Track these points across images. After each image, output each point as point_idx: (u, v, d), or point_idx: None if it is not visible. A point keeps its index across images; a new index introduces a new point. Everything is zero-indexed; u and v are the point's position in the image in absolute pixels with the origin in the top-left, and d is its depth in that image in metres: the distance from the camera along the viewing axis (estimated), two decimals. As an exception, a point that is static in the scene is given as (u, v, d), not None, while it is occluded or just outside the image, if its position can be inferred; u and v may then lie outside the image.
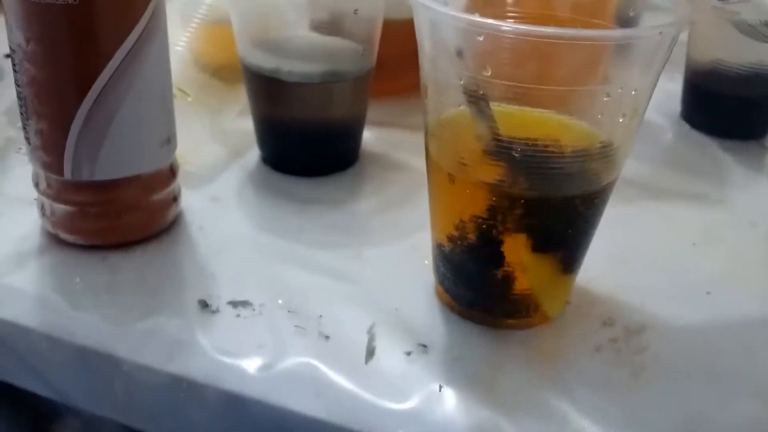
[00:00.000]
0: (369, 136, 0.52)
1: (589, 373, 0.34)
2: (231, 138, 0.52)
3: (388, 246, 0.42)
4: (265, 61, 0.45)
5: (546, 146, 0.30)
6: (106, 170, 0.38)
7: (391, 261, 0.41)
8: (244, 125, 0.53)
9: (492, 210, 0.31)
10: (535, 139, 0.31)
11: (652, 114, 0.60)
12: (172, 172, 0.41)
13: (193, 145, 0.49)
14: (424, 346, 0.35)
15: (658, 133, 0.57)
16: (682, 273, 0.41)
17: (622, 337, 0.36)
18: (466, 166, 0.32)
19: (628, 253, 0.42)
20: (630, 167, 0.50)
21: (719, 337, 0.36)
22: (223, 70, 0.53)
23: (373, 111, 0.51)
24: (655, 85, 0.30)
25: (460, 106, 0.32)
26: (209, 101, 0.51)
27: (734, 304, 0.39)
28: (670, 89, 0.60)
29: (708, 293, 0.39)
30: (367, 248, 0.42)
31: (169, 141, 0.40)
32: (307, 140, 0.48)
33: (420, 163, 0.50)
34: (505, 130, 0.30)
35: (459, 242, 0.34)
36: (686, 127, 0.58)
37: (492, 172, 0.31)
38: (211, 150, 0.51)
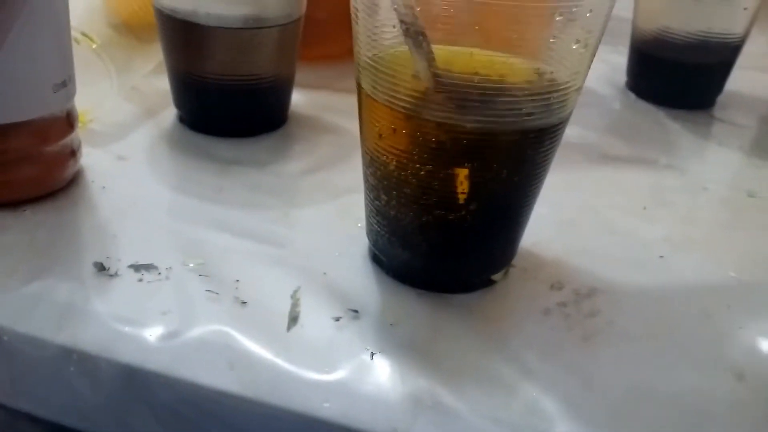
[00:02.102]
0: (299, 99, 0.48)
1: (537, 337, 0.30)
2: (143, 96, 0.48)
3: (318, 208, 0.38)
4: (180, 2, 0.40)
5: (490, 80, 0.27)
6: (-13, 114, 0.32)
7: (320, 223, 0.37)
8: (159, 84, 0.48)
9: (433, 151, 0.28)
10: (478, 73, 0.27)
11: (597, 84, 0.57)
12: (69, 121, 0.36)
13: (98, 100, 0.44)
14: (355, 311, 0.31)
15: (604, 102, 0.55)
16: (633, 237, 0.38)
17: (571, 300, 0.33)
18: (405, 103, 0.28)
19: (575, 217, 0.39)
20: (575, 134, 0.47)
21: (674, 301, 0.34)
22: (136, 27, 0.48)
23: (303, 74, 0.47)
24: (611, 9, 0.27)
25: (396, 39, 0.28)
26: (119, 56, 0.46)
27: (688, 267, 0.36)
28: (615, 61, 0.58)
29: (661, 257, 0.37)
30: (294, 210, 0.38)
31: (65, 84, 0.35)
32: (230, 97, 0.43)
33: (353, 125, 0.46)
34: (445, 67, 0.27)
35: (395, 192, 0.30)
36: (632, 96, 0.56)
37: (433, 109, 0.27)
38: (120, 107, 0.46)
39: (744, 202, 0.42)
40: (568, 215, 0.39)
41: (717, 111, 0.54)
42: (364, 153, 0.31)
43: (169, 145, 0.43)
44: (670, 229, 0.39)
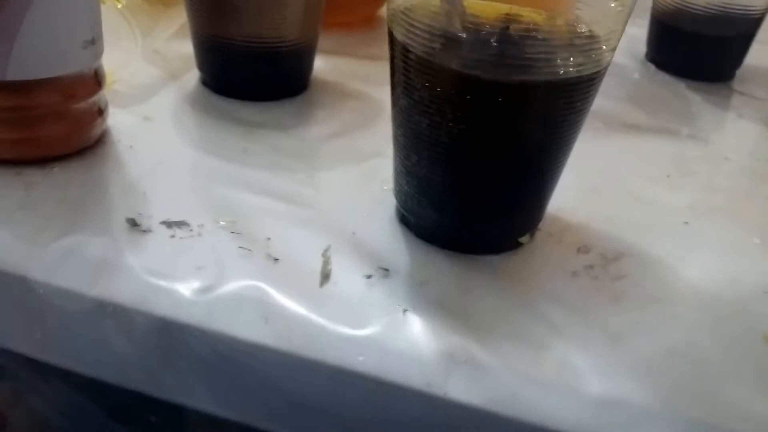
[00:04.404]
0: (319, 65, 0.48)
1: (565, 298, 0.31)
2: (165, 59, 0.47)
3: (343, 171, 0.38)
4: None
5: (525, 30, 0.27)
6: (20, 69, 0.32)
7: (346, 186, 0.37)
8: (180, 48, 0.48)
9: (468, 108, 0.28)
10: (512, 23, 0.27)
11: (617, 55, 0.57)
12: (97, 80, 0.36)
13: (122, 62, 0.44)
14: (386, 269, 0.31)
15: (624, 73, 0.55)
16: (657, 204, 0.38)
17: (599, 264, 0.33)
18: (440, 56, 0.28)
19: (599, 184, 0.39)
20: (596, 103, 0.47)
21: (701, 265, 0.34)
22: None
23: (324, 41, 0.47)
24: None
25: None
26: (143, 18, 0.46)
27: (713, 234, 0.36)
28: (635, 33, 0.58)
29: (686, 223, 0.37)
30: (320, 172, 0.38)
31: (94, 42, 0.35)
32: (254, 61, 0.43)
33: (376, 92, 0.47)
34: (478, 21, 0.27)
35: (426, 151, 0.30)
36: (652, 68, 0.56)
37: (466, 61, 0.27)
38: (144, 70, 0.46)
39: (765, 171, 0.42)
40: (592, 182, 0.39)
41: (736, 84, 0.54)
42: (397, 113, 0.31)
43: (193, 108, 0.43)
44: (694, 197, 0.39)
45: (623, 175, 0.41)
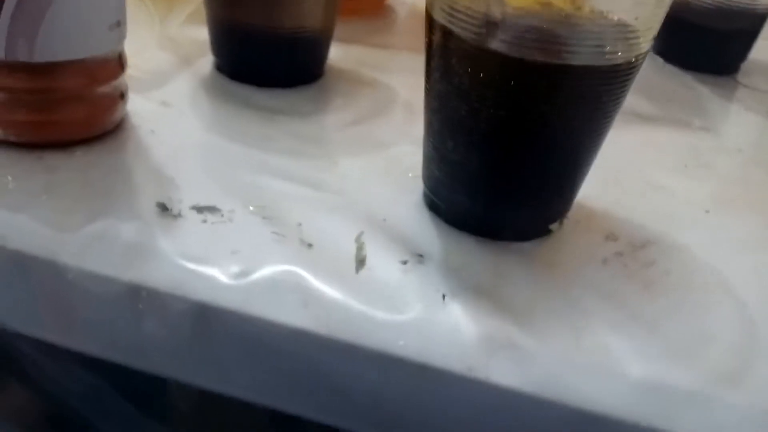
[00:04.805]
0: (334, 53, 0.48)
1: (598, 284, 0.31)
2: (177, 45, 0.47)
3: (366, 158, 0.38)
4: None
5: (562, 13, 0.27)
6: (47, 51, 0.32)
7: (371, 173, 0.37)
8: (194, 33, 0.48)
9: (507, 93, 0.28)
10: (551, 5, 0.27)
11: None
12: (120, 63, 0.36)
13: (137, 48, 0.43)
14: (420, 255, 0.31)
15: (631, 65, 0.55)
16: (677, 193, 0.39)
17: (627, 251, 0.33)
18: (479, 37, 0.28)
19: (619, 174, 0.40)
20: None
21: (726, 253, 0.34)
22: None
23: (337, 29, 0.47)
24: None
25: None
26: (157, 4, 0.46)
27: (736, 222, 0.37)
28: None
29: (707, 212, 0.37)
30: (344, 159, 0.38)
31: (119, 24, 0.34)
32: (271, 47, 0.43)
33: (389, 80, 0.47)
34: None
35: (462, 137, 0.30)
36: (660, 60, 0.56)
37: (507, 43, 0.27)
38: (157, 56, 0.45)
39: (778, 163, 0.43)
40: (612, 172, 0.40)
41: (741, 77, 0.55)
42: (432, 98, 0.31)
43: (210, 94, 0.42)
44: (713, 187, 0.40)
45: (641, 165, 0.41)
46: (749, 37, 0.54)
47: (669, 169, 0.41)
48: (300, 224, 0.32)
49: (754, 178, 0.41)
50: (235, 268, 0.29)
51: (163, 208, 0.31)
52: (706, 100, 0.50)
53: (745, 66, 0.56)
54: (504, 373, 0.27)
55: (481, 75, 0.28)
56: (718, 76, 0.54)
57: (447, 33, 0.29)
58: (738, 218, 0.37)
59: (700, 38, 0.54)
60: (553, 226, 0.33)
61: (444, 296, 0.29)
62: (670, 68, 0.55)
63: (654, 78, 0.54)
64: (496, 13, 0.28)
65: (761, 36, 0.55)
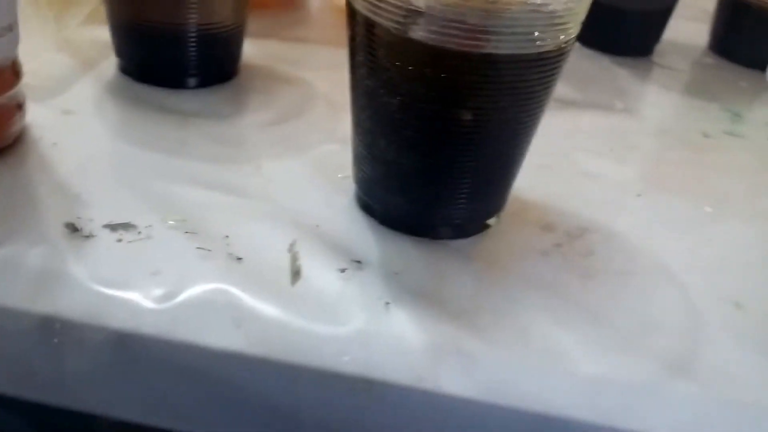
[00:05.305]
0: (248, 49, 0.45)
1: (540, 278, 0.30)
2: (77, 47, 0.43)
3: (291, 159, 0.36)
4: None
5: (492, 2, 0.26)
6: (-76, 61, 0.28)
7: (297, 175, 0.35)
8: (93, 34, 0.44)
9: (438, 87, 0.27)
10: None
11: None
12: (15, 71, 0.32)
13: (31, 52, 0.40)
14: (358, 261, 0.29)
15: (549, 49, 0.55)
16: (607, 178, 0.38)
17: (565, 241, 0.33)
18: (408, 28, 0.26)
19: (548, 161, 0.39)
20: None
21: (662, 237, 0.34)
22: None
23: (249, 24, 0.44)
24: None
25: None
26: (55, 3, 0.42)
27: (668, 204, 0.37)
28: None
29: (639, 195, 0.37)
30: (267, 162, 0.35)
31: (11, 28, 0.31)
32: (179, 45, 0.40)
33: (308, 75, 0.45)
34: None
35: (395, 135, 0.28)
36: (576, 44, 0.56)
37: (436, 33, 0.26)
38: (55, 59, 0.42)
39: (702, 142, 0.43)
40: (541, 159, 0.38)
41: (656, 57, 0.56)
42: (360, 95, 0.29)
43: (117, 98, 0.39)
44: (641, 170, 0.40)
45: (568, 150, 0.41)
46: (663, 17, 0.55)
47: (597, 153, 0.41)
48: (227, 236, 0.30)
49: (681, 158, 0.42)
50: (157, 291, 0.27)
51: (73, 228, 0.29)
52: (625, 82, 0.51)
53: (659, 47, 0.56)
54: (454, 381, 0.25)
55: (410, 68, 0.27)
56: (635, 58, 0.55)
57: (370, 24, 0.27)
58: (670, 200, 0.37)
59: (616, 20, 0.54)
60: (491, 221, 0.32)
61: (387, 303, 0.27)
62: (586, 51, 0.55)
63: (572, 62, 0.53)
64: (419, 1, 0.26)
65: (674, 15, 0.56)
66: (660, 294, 0.30)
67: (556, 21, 0.28)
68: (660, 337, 0.28)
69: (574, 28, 0.29)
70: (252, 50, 0.46)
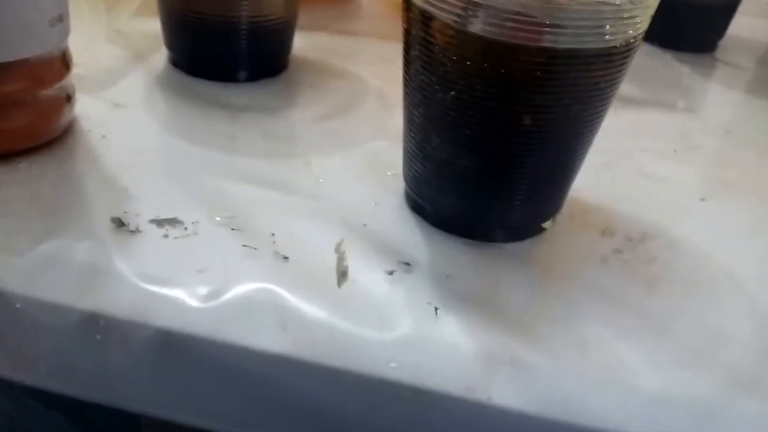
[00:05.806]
0: (299, 42, 0.45)
1: (600, 286, 0.29)
2: (128, 40, 0.43)
3: (341, 156, 0.35)
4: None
5: None
6: (-22, 52, 0.28)
7: (347, 172, 0.34)
8: (144, 26, 0.44)
9: (498, 83, 0.25)
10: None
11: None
12: (65, 62, 0.32)
13: (83, 44, 0.40)
14: (407, 263, 0.28)
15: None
16: (670, 180, 0.37)
17: (626, 247, 0.31)
18: (467, 21, 0.25)
19: (610, 161, 0.37)
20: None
21: (729, 244, 0.32)
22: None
23: (300, 16, 0.44)
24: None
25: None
26: (100, -3, 0.42)
27: (734, 209, 0.35)
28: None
29: (703, 200, 0.35)
30: (317, 158, 0.35)
31: (61, 19, 0.31)
32: (230, 38, 0.39)
33: (359, 69, 0.44)
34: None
35: (451, 133, 0.27)
36: (636, 39, 0.54)
37: (497, 27, 0.25)
38: (106, 51, 0.42)
39: (766, 143, 0.41)
40: (602, 159, 0.37)
41: (719, 54, 0.53)
42: (413, 91, 0.28)
43: (166, 91, 0.39)
44: (705, 172, 0.38)
45: (630, 151, 0.39)
46: (728, 11, 0.53)
47: (659, 154, 0.39)
48: (273, 234, 0.29)
49: (746, 160, 0.40)
50: (203, 289, 0.26)
51: (119, 223, 0.28)
52: (688, 80, 0.49)
53: (723, 43, 0.54)
54: (507, 393, 0.24)
55: (468, 63, 0.25)
56: (697, 54, 0.52)
57: (427, 17, 0.26)
58: (736, 204, 0.35)
59: (678, 15, 0.52)
60: (547, 224, 0.31)
61: (436, 309, 0.26)
62: (647, 47, 0.52)
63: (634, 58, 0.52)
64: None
65: (738, 11, 0.53)
66: (727, 304, 0.29)
67: (625, 15, 0.26)
68: (727, 351, 0.26)
69: (644, 23, 0.27)
70: (302, 43, 0.45)
